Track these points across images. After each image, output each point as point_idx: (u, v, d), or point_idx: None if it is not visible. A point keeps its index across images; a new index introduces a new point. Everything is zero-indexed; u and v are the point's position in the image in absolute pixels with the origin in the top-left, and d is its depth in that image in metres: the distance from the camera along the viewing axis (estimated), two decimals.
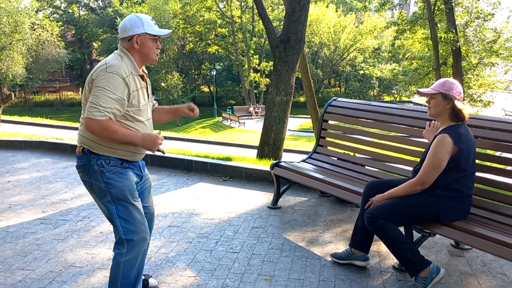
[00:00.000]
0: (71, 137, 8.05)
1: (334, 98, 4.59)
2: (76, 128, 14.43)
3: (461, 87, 2.78)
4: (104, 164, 2.31)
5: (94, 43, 52.30)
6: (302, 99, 36.40)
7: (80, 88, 52.06)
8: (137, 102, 2.32)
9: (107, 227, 3.78)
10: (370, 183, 3.08)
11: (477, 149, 3.16)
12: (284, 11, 7.09)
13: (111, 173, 2.32)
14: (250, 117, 34.33)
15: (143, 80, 2.41)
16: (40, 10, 46.78)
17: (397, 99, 37.50)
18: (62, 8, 51.25)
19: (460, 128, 2.71)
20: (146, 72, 2.49)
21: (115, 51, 2.37)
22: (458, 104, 2.71)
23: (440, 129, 2.79)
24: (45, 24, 37.17)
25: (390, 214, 2.71)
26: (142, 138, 2.30)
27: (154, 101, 2.70)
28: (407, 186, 2.76)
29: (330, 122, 4.49)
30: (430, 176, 2.68)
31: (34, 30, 35.11)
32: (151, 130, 2.48)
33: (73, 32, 50.60)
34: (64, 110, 47.92)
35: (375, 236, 2.93)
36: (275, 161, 4.28)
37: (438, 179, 2.68)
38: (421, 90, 2.86)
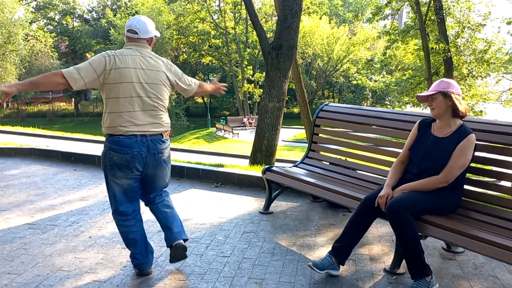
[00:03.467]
0: (61, 146, 7.99)
1: (326, 103, 4.60)
2: (66, 138, 14.32)
3: (457, 85, 2.84)
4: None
5: (87, 54, 52.31)
6: (296, 110, 36.52)
7: (73, 99, 51.94)
8: None
9: (96, 232, 3.73)
10: (367, 199, 2.95)
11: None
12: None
13: None
14: (244, 127, 34.40)
15: None
16: (34, 22, 46.86)
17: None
18: (56, 19, 51.41)
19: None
20: None
21: (145, 51, 2.82)
22: (458, 99, 2.78)
23: (451, 131, 2.81)
24: (38, 35, 37.26)
25: (413, 208, 2.69)
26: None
27: None
28: (431, 183, 2.79)
29: (322, 127, 4.49)
30: (456, 174, 2.75)
31: (27, 41, 35.14)
32: None
33: (66, 43, 50.70)
34: (56, 121, 47.71)
35: (362, 239, 2.90)
36: (267, 166, 4.26)
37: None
38: (420, 94, 2.90)
